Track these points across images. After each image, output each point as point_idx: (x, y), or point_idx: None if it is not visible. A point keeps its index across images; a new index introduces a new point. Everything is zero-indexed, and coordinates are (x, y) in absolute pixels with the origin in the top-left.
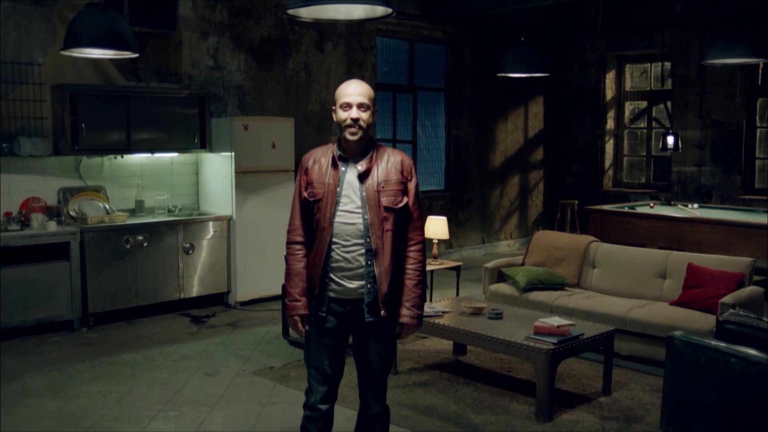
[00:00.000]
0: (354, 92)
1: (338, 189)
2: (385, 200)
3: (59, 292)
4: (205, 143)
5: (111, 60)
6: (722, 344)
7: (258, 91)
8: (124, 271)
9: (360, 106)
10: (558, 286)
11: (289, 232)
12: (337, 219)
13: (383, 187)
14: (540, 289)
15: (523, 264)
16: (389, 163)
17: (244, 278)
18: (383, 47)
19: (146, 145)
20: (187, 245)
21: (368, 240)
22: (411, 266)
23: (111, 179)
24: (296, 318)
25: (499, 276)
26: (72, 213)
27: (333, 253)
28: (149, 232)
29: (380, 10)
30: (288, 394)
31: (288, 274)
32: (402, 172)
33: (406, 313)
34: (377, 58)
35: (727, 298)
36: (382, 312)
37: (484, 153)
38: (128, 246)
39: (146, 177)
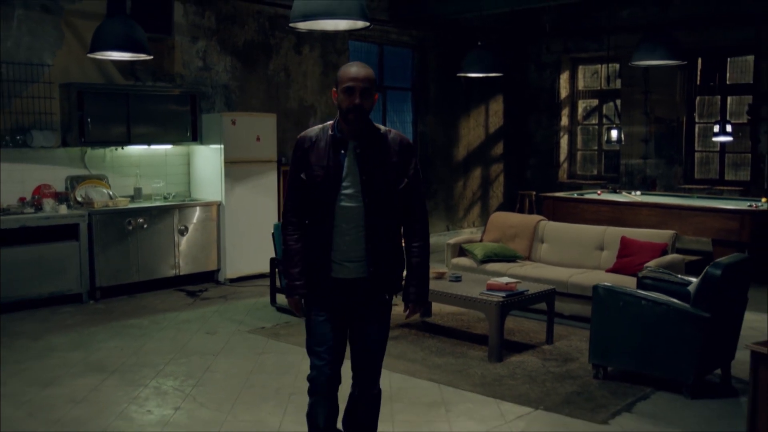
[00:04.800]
0: (358, 76)
1: (338, 172)
2: (384, 180)
3: (70, 268)
4: (196, 136)
5: (112, 61)
6: (636, 291)
7: (242, 89)
8: (127, 250)
9: (363, 91)
10: (511, 258)
11: (285, 213)
12: (338, 202)
13: (383, 169)
14: (495, 261)
15: (481, 240)
16: (388, 143)
17: (233, 257)
18: (355, 50)
19: (144, 138)
20: (182, 227)
21: (369, 221)
22: (416, 245)
23: (112, 168)
24: (296, 297)
25: (461, 251)
26: (79, 198)
27: (334, 236)
28: (149, 216)
29: (360, 24)
30: (279, 347)
31: (286, 255)
32: (401, 153)
33: (414, 292)
34: (350, 60)
35: (651, 263)
36: (384, 293)
37: (448, 148)
38: (130, 228)
39: (143, 167)
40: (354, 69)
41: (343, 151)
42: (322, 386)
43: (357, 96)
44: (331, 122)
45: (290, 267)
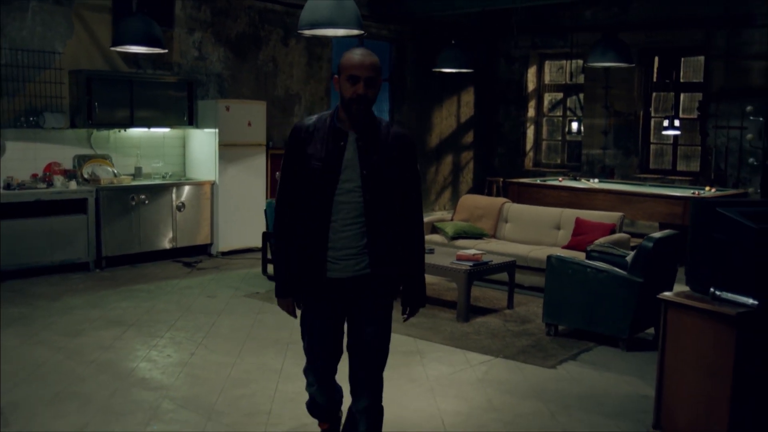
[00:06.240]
0: (363, 64)
1: (337, 164)
2: (384, 176)
3: (78, 239)
4: (192, 121)
5: (117, 51)
6: (583, 260)
7: (234, 78)
8: (130, 224)
9: (368, 81)
10: (478, 236)
11: (279, 206)
12: (336, 196)
13: (383, 163)
14: (464, 238)
15: (451, 220)
16: (389, 137)
17: (225, 232)
18: (338, 43)
19: (145, 122)
20: (179, 204)
21: (368, 217)
22: (415, 244)
23: (115, 149)
24: (288, 300)
25: (433, 229)
26: (85, 175)
27: (332, 231)
28: (150, 192)
29: (356, 32)
30: (275, 309)
31: (280, 252)
32: (402, 148)
33: (415, 294)
34: (332, 52)
35: (601, 240)
36: (383, 289)
37: (422, 135)
38: (133, 203)
39: (144, 148)
40: (358, 56)
41: (342, 143)
42: (323, 385)
43: (361, 85)
44: (330, 111)
45: (284, 265)
